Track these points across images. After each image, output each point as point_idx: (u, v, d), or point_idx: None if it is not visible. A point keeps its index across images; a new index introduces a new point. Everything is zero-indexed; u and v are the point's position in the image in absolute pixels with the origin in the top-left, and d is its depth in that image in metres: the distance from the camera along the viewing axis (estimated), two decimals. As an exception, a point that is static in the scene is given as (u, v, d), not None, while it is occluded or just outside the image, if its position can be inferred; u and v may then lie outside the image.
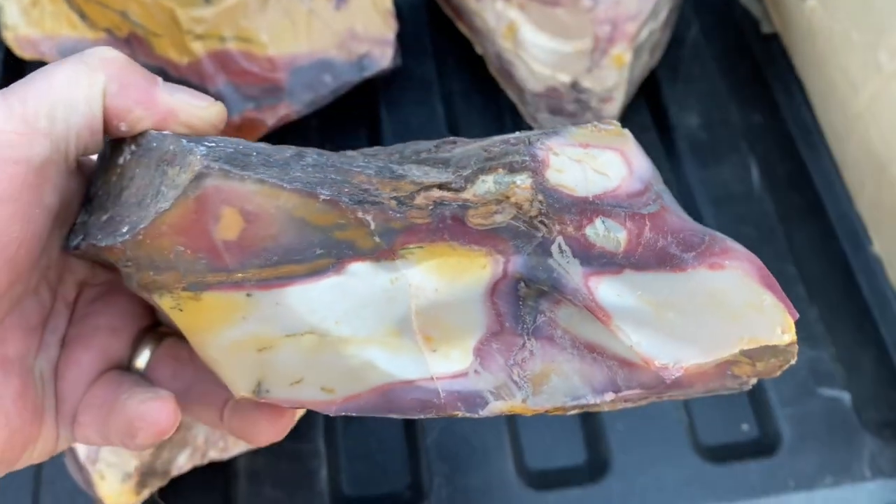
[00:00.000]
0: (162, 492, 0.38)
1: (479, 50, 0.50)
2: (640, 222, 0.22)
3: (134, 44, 0.45)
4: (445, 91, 0.51)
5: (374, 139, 0.49)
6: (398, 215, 0.22)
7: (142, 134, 0.23)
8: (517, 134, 0.24)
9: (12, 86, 0.22)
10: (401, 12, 0.54)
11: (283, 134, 0.48)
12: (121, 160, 0.24)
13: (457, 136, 0.25)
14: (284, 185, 0.21)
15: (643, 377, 0.23)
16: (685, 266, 0.22)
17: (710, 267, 0.22)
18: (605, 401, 0.23)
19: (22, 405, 0.23)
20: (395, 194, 0.22)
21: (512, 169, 0.22)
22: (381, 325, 0.23)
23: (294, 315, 0.22)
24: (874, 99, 0.41)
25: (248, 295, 0.22)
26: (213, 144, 0.22)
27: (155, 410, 0.23)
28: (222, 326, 0.23)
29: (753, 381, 0.24)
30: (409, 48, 0.52)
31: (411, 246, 0.22)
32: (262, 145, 0.23)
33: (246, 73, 0.44)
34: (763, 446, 0.41)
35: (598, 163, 0.23)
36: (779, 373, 0.23)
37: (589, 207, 0.22)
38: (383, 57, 0.47)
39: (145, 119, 0.23)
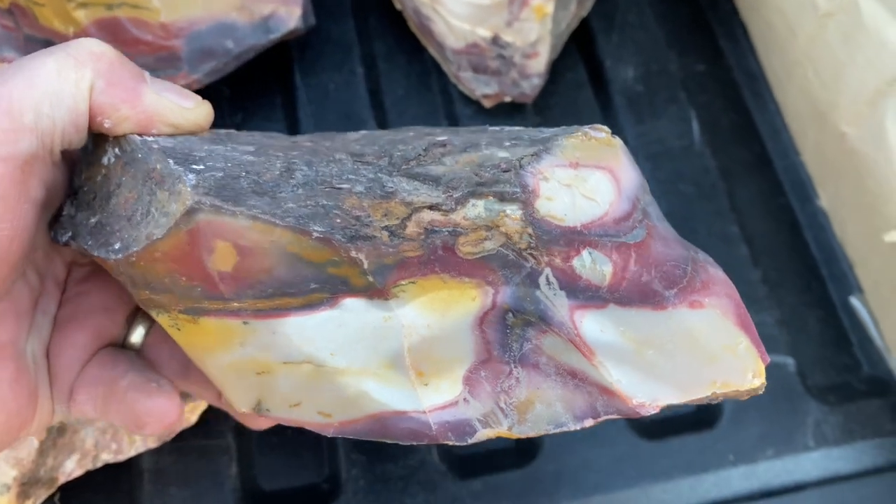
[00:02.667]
0: (64, 492, 0.36)
1: (398, 5, 0.47)
2: (626, 254, 0.22)
3: (17, 14, 0.41)
4: (365, 52, 0.48)
5: (289, 106, 0.46)
6: (390, 250, 0.22)
7: (125, 138, 0.23)
8: (506, 154, 0.23)
9: None
10: (316, -32, 0.50)
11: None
12: (105, 160, 0.24)
13: (445, 139, 0.24)
14: (277, 221, 0.21)
15: (620, 405, 0.23)
16: (666, 304, 0.22)
17: (691, 305, 0.22)
18: (584, 426, 0.23)
19: (17, 388, 0.23)
20: (386, 222, 0.22)
21: (502, 198, 0.22)
22: (374, 358, 0.23)
23: (291, 344, 0.22)
24: (811, 42, 0.38)
25: (244, 323, 0.22)
26: (202, 167, 0.21)
27: (162, 407, 0.25)
28: (221, 350, 0.23)
29: (721, 399, 0.24)
30: (325, 6, 0.49)
31: (403, 282, 0.22)
32: (250, 157, 0.22)
33: (138, 42, 0.41)
34: (702, 419, 0.38)
35: (588, 187, 0.23)
36: (746, 398, 0.24)
37: (577, 238, 0.22)
38: (290, 17, 0.43)
39: (131, 118, 0.23)
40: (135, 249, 0.21)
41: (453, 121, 0.46)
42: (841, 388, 0.40)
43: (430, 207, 0.22)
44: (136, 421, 0.25)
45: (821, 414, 0.39)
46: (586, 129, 0.23)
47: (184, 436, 0.36)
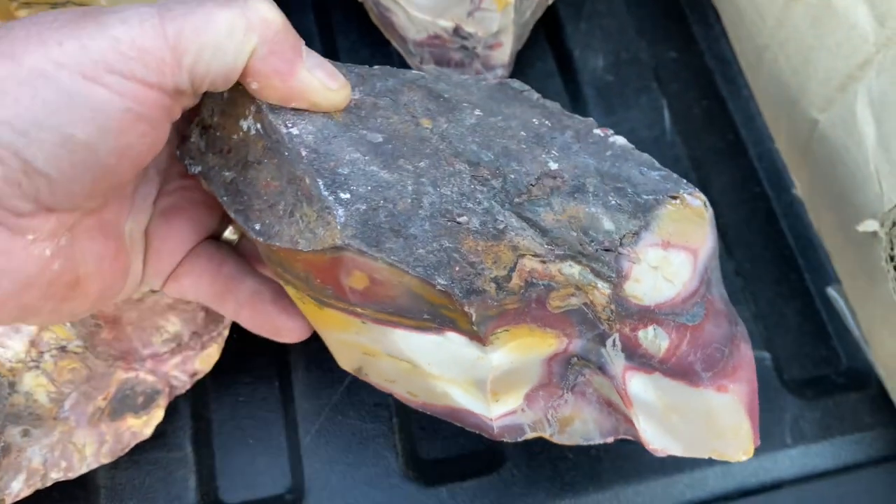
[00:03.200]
0: (18, 514, 0.35)
1: (358, -4, 0.45)
2: (682, 334, 0.26)
3: (-40, 15, 0.40)
4: (328, 47, 0.46)
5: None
6: (495, 303, 0.25)
7: (269, 123, 0.25)
8: (610, 226, 0.25)
9: (171, 4, 0.23)
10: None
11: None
12: (243, 124, 0.26)
13: (556, 169, 0.26)
14: (409, 270, 0.24)
15: (637, 433, 0.27)
16: (700, 384, 0.26)
17: (718, 389, 0.26)
18: (606, 441, 0.29)
19: (116, 264, 0.26)
20: (495, 272, 0.25)
21: (598, 275, 0.25)
22: (463, 376, 0.27)
23: (397, 347, 0.27)
24: (779, 26, 0.36)
25: (363, 322, 0.26)
26: (348, 197, 0.24)
27: (301, 326, 0.30)
28: (337, 330, 0.28)
29: None
30: (283, 0, 0.47)
31: (499, 331, 0.26)
32: (385, 175, 0.25)
33: (86, 42, 0.39)
34: (675, 418, 0.37)
35: (671, 270, 0.26)
36: None
37: (648, 315, 0.26)
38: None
39: (279, 89, 0.24)
40: (277, 244, 0.25)
41: (418, 115, 0.45)
42: (819, 382, 0.38)
43: (534, 255, 0.25)
44: (275, 330, 0.31)
45: (798, 409, 0.37)
46: (685, 192, 0.25)
47: (140, 449, 0.35)
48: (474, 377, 0.27)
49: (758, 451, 0.36)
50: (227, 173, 0.26)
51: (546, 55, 0.47)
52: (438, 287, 0.24)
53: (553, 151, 0.27)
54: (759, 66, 0.40)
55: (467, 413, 0.28)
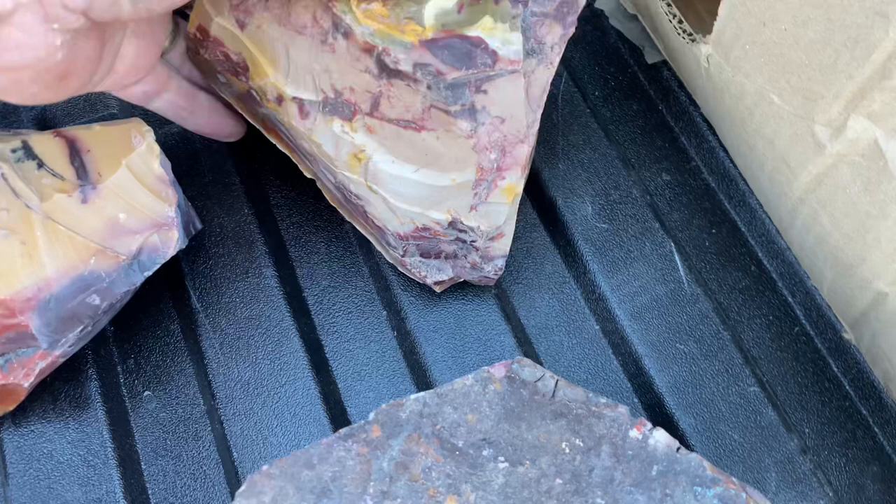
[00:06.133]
0: None
1: (307, 174, 0.38)
2: None
3: None
4: (272, 243, 0.39)
5: (190, 336, 0.37)
6: None
7: None
8: None
9: None
10: (192, 143, 0.41)
11: (72, 365, 0.35)
12: None
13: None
14: None
15: None
16: None
17: None
18: None
19: (94, 65, 0.29)
20: None
21: None
22: None
23: None
24: (820, 183, 0.30)
25: None
26: None
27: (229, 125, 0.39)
28: None
29: None
30: (213, 196, 0.40)
31: None
32: None
33: (-25, 329, 0.31)
34: None
35: None
36: None
37: None
38: (168, 243, 0.34)
39: None
40: None
41: (395, 310, 0.38)
42: (923, 570, 0.33)
43: None
44: (211, 130, 0.38)
45: None
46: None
47: None
48: None
49: None
50: None
51: (525, 206, 0.40)
52: None
53: (598, 500, 0.26)
54: (791, 218, 0.34)
55: None
